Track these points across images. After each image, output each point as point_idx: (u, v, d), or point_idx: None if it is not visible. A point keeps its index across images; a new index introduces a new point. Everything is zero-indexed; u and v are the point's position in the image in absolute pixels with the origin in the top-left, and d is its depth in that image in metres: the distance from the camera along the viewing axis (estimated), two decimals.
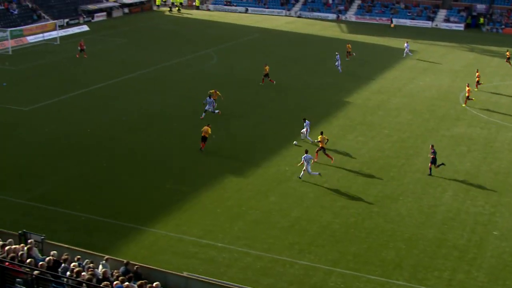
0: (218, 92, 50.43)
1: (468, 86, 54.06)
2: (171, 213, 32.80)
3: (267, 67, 58.83)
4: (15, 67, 65.60)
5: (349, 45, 72.28)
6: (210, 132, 41.62)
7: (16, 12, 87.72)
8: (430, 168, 38.43)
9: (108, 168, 38.68)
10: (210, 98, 48.34)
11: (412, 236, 30.84)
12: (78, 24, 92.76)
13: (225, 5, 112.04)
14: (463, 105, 53.30)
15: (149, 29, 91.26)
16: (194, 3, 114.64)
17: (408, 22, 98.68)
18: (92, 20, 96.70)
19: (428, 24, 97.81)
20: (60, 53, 72.62)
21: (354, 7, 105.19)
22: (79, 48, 70.95)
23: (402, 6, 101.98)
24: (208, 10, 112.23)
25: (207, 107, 47.92)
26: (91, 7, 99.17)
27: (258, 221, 32.07)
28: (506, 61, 69.73)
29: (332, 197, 34.97)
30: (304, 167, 37.22)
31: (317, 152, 40.08)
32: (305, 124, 44.23)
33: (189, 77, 61.83)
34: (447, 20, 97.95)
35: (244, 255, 28.73)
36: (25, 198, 34.12)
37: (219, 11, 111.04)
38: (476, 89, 58.20)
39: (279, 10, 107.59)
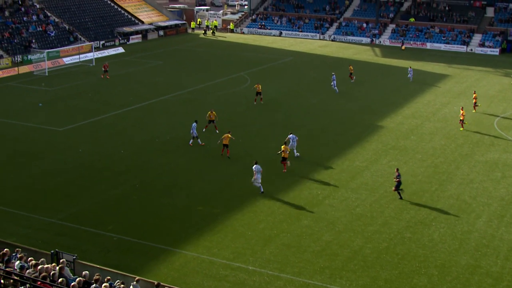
0: (214, 113, 50.87)
1: (462, 110, 54.21)
2: (202, 235, 32.83)
3: (259, 86, 60.14)
4: (51, 88, 66.58)
5: (351, 66, 72.85)
6: (231, 137, 44.53)
7: (53, 34, 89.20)
8: (399, 193, 38.24)
9: (141, 189, 38.92)
10: (196, 123, 47.56)
11: (444, 262, 30.45)
12: (113, 46, 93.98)
13: (259, 28, 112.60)
14: (461, 129, 53.01)
15: (183, 52, 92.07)
16: (228, 26, 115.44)
17: (442, 47, 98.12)
18: (128, 42, 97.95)
19: (463, 48, 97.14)
20: (95, 74, 73.54)
21: (388, 31, 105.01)
22: (103, 69, 72.53)
23: (437, 31, 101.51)
24: (242, 33, 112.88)
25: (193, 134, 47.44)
26: (126, 29, 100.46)
27: (289, 245, 31.95)
28: None
29: (364, 222, 34.72)
30: (254, 177, 38.00)
31: (282, 163, 41.82)
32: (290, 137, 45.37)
33: (222, 100, 62.10)
34: (482, 44, 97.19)
35: (275, 279, 28.60)
36: (58, 218, 34.46)
37: (253, 34, 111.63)
38: (474, 111, 58.40)
39: (313, 34, 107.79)
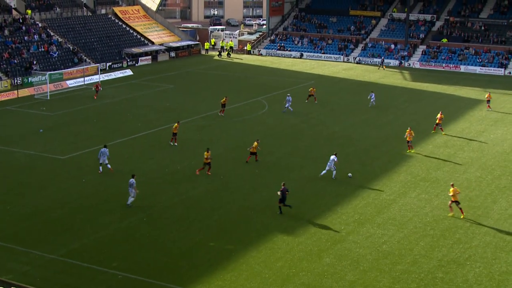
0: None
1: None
2: (215, 273, 32.83)
3: (226, 98, 67.01)
4: (53, 113, 67.20)
5: (313, 88, 74.30)
6: (257, 146, 49.92)
7: (56, 55, 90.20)
8: (279, 207, 40.40)
9: (149, 223, 39.05)
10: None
11: None
12: (121, 68, 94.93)
13: (278, 49, 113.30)
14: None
15: (196, 75, 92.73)
16: (245, 48, 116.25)
17: (478, 70, 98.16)
18: (136, 64, 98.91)
19: (500, 71, 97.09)
20: (101, 98, 74.19)
21: (419, 53, 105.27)
22: (94, 89, 74.76)
23: (472, 52, 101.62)
24: (260, 55, 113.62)
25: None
26: (135, 50, 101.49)
27: (309, 285, 31.86)
28: None
29: (391, 260, 34.58)
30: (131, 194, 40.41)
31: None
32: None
33: (238, 126, 62.38)
34: None
35: None
36: (59, 253, 34.62)
37: (272, 56, 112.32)
38: (433, 131, 60.40)
39: (336, 56, 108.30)
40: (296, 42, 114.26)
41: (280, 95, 75.16)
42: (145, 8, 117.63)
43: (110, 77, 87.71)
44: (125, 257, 34.44)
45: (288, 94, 69.35)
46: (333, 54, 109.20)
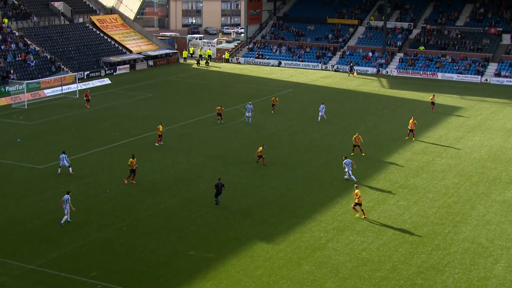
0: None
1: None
2: (194, 282, 32.70)
3: (221, 107, 67.20)
4: (30, 122, 66.78)
5: (275, 97, 74.01)
6: (261, 149, 52.32)
7: (33, 64, 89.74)
8: (216, 200, 43.16)
9: (128, 232, 38.85)
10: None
11: None
12: (99, 77, 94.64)
13: (257, 58, 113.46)
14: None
15: (175, 83, 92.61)
16: (223, 56, 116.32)
17: (455, 77, 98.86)
18: (114, 73, 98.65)
19: (477, 79, 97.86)
20: (79, 107, 73.86)
21: (396, 60, 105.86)
22: (85, 98, 74.45)
23: (449, 60, 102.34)
24: (238, 63, 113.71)
25: None
26: (113, 59, 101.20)
27: None
28: None
29: (371, 267, 34.64)
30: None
31: None
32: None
33: (217, 135, 62.33)
34: (497, 74, 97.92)
35: None
36: (37, 263, 34.35)
37: (250, 64, 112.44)
38: (407, 138, 61.32)
39: (314, 64, 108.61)
40: (274, 50, 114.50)
41: (259, 103, 75.20)
42: (123, 16, 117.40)
43: (88, 86, 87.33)
44: (104, 266, 34.23)
45: (250, 102, 69.17)
46: (311, 62, 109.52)
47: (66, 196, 39.98)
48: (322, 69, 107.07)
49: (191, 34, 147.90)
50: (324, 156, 55.37)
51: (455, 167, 52.88)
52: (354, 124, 67.60)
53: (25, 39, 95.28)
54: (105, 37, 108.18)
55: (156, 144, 57.69)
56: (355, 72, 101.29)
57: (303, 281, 32.97)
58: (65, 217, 39.79)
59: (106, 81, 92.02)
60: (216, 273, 33.70)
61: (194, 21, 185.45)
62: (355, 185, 43.83)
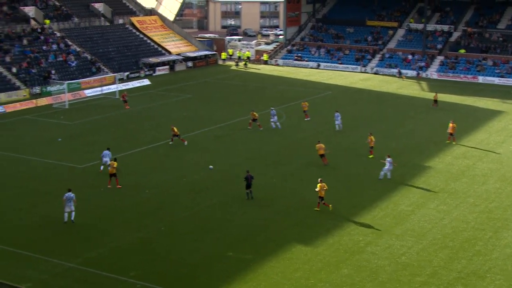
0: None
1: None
2: (233, 284, 32.70)
3: (255, 113, 65.22)
4: (71, 122, 67.47)
5: (306, 103, 72.07)
6: (324, 147, 52.56)
7: (74, 64, 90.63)
8: (247, 193, 44.05)
9: (166, 233, 39.00)
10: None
11: None
12: (138, 78, 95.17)
13: (295, 60, 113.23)
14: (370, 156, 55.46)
15: (213, 85, 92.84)
16: (262, 58, 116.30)
17: (496, 81, 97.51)
18: (154, 74, 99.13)
19: None
20: (119, 108, 74.39)
21: (436, 63, 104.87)
22: (122, 99, 75.00)
23: (490, 63, 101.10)
24: (277, 65, 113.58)
25: None
26: (153, 60, 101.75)
27: None
28: None
29: (410, 272, 34.29)
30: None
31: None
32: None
33: (256, 137, 62.27)
34: None
35: None
36: (77, 262, 34.64)
37: (289, 66, 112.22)
38: (447, 141, 60.53)
39: (353, 66, 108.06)
40: (313, 53, 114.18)
41: (298, 105, 75.01)
42: (162, 18, 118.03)
43: (127, 87, 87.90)
44: (143, 266, 34.38)
45: (272, 108, 68.29)
46: (350, 64, 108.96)
47: (71, 194, 40.15)
48: (361, 72, 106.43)
49: (230, 35, 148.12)
50: (363, 159, 55.00)
51: (497, 172, 52.18)
52: (393, 127, 67.09)
53: (66, 40, 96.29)
54: (145, 38, 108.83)
55: (184, 143, 58.24)
56: (403, 76, 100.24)
57: (342, 285, 32.77)
58: (73, 214, 40.09)
59: (146, 82, 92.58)
60: (255, 275, 33.65)
61: (233, 22, 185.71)
62: (320, 179, 43.42)
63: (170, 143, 58.43)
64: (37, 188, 46.69)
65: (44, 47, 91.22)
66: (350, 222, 40.87)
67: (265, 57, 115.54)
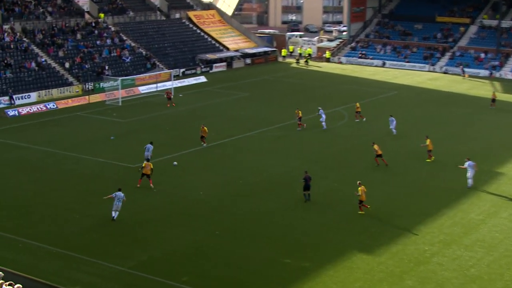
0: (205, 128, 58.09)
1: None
2: None
3: (299, 111, 65.67)
4: (124, 120, 68.24)
5: (358, 104, 71.05)
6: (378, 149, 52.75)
7: (128, 60, 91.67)
8: (304, 195, 45.00)
9: (221, 237, 39.09)
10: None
11: None
12: (195, 74, 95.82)
13: (360, 57, 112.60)
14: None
15: (272, 83, 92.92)
16: (324, 55, 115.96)
17: None
18: (211, 71, 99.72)
19: None
20: (174, 105, 74.88)
21: (511, 63, 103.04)
22: (166, 96, 75.76)
23: None
24: (340, 63, 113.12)
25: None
26: (210, 56, 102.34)
27: None
28: None
29: (480, 285, 33.70)
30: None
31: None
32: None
33: (316, 138, 62.05)
34: None
35: None
36: (128, 265, 34.94)
37: (353, 64, 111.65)
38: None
39: (421, 65, 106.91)
40: (378, 50, 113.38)
41: (362, 105, 74.61)
42: (220, 12, 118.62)
43: (183, 84, 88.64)
44: (196, 271, 34.52)
45: (319, 108, 67.59)
46: (417, 63, 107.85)
47: (121, 194, 41.15)
48: (429, 71, 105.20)
49: (291, 31, 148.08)
50: (430, 164, 54.31)
51: None
52: (462, 130, 66.16)
53: (120, 34, 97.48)
54: (202, 34, 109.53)
55: (204, 144, 58.27)
56: (466, 74, 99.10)
57: None
58: (114, 213, 41.05)
59: (202, 79, 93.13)
60: (312, 284, 33.50)
61: (294, 18, 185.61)
62: (359, 182, 43.96)
63: (203, 145, 58.47)
64: (89, 188, 47.22)
65: (98, 42, 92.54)
66: (415, 231, 40.35)
67: (327, 54, 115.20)
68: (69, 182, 48.71)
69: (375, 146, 53.08)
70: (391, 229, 40.77)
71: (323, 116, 65.35)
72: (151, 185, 46.88)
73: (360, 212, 42.67)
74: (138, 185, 47.15)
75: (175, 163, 52.53)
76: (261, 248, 37.70)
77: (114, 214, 40.93)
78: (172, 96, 76.10)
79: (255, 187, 47.98)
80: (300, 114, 65.27)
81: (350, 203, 44.32)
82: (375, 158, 53.22)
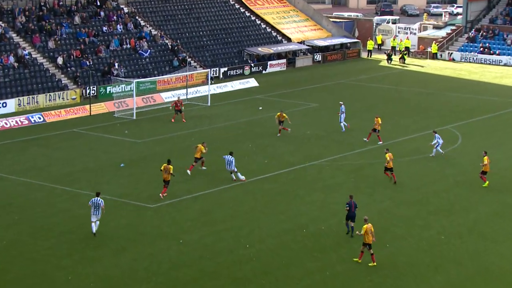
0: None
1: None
2: None
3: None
4: (139, 140, 68.39)
5: (378, 117, 69.58)
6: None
7: (147, 54, 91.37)
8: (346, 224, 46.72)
9: (374, 268, 41.35)
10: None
11: None
12: (241, 76, 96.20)
13: (481, 52, 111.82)
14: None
15: (352, 89, 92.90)
16: (428, 49, 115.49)
17: None
18: (264, 71, 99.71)
19: None
20: (211, 119, 75.38)
21: None
22: (172, 107, 75.65)
23: None
24: (452, 60, 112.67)
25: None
26: (263, 50, 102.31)
27: None
28: None
29: None
30: None
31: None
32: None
33: (414, 169, 61.56)
34: None
35: None
36: None
37: (470, 62, 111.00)
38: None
39: None
40: (509, 42, 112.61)
41: (481, 122, 74.10)
42: None
43: (225, 89, 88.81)
44: None
45: (341, 103, 70.79)
46: None
47: (99, 200, 43.74)
48: None
49: (380, 15, 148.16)
50: None
51: None
52: None
53: (136, 18, 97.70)
54: (253, 18, 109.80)
55: (203, 168, 59.61)
56: None
57: None
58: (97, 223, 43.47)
59: (252, 82, 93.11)
60: None
61: None
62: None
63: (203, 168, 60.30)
64: (88, 236, 47.07)
65: (104, 28, 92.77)
66: None
67: (433, 48, 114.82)
68: (59, 227, 48.76)
69: (388, 155, 56.62)
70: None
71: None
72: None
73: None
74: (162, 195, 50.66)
75: (122, 164, 56.00)
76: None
77: (94, 226, 43.05)
78: (183, 108, 75.82)
79: (324, 239, 47.61)
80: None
81: (464, 265, 43.97)
82: (384, 171, 57.13)
